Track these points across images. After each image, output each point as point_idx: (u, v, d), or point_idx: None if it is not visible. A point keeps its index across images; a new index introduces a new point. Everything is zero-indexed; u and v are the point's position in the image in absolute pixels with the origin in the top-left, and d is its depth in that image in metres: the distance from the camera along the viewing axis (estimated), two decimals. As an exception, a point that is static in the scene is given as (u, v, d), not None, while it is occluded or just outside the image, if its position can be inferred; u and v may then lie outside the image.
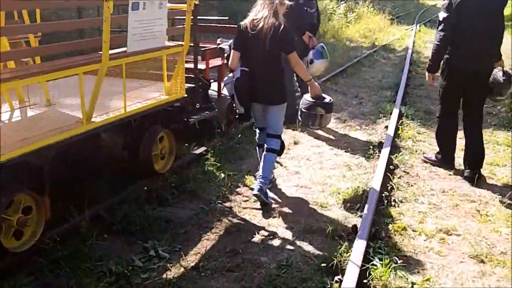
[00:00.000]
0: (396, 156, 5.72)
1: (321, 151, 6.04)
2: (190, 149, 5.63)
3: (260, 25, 4.24)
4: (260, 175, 4.52)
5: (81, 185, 4.55)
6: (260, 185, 4.46)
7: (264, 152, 4.58)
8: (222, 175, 5.21)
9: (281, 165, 5.57)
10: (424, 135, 6.65)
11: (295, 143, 6.19)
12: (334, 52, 12.99)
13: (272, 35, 4.21)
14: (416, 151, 6.00)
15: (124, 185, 4.67)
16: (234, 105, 4.51)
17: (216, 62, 6.16)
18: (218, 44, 5.43)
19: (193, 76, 5.55)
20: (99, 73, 3.91)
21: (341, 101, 8.46)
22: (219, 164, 5.40)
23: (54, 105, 4.59)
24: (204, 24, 7.05)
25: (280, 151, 4.70)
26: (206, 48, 5.87)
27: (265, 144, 4.59)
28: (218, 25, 7.15)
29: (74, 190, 4.45)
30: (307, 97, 5.00)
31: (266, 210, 4.47)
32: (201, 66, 5.84)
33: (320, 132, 6.75)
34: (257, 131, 4.88)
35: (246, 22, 4.35)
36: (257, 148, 4.97)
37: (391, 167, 5.39)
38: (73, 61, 3.94)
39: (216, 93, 6.22)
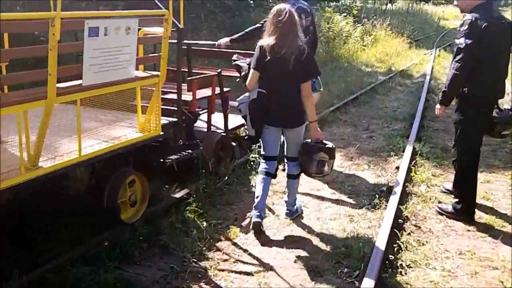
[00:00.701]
0: (407, 206, 4.97)
1: (321, 196, 5.30)
2: (170, 192, 4.96)
3: (285, 47, 4.06)
4: (286, 200, 4.74)
5: (26, 240, 3.88)
6: (288, 209, 4.74)
7: (287, 179, 4.63)
8: (204, 223, 4.53)
9: (273, 213, 4.86)
10: (440, 178, 5.88)
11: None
12: (347, 78, 12.32)
13: (296, 58, 4.06)
14: (430, 199, 5.24)
15: (82, 238, 4.00)
16: (245, 126, 4.47)
17: (206, 92, 5.50)
18: (234, 60, 4.77)
19: (176, 108, 4.90)
20: (44, 111, 3.27)
21: (350, 135, 7.74)
22: (201, 211, 4.71)
23: (6, 143, 3.96)
24: (197, 48, 6.46)
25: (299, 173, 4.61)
26: (193, 77, 5.22)
27: (286, 170, 4.65)
28: (209, 49, 6.52)
29: (16, 246, 3.78)
30: (307, 141, 4.47)
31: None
32: (187, 97, 5.20)
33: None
34: (262, 161, 4.53)
35: (269, 42, 4.11)
36: (262, 176, 4.47)
37: (399, 220, 4.64)
38: (14, 95, 3.30)
39: (205, 128, 5.57)
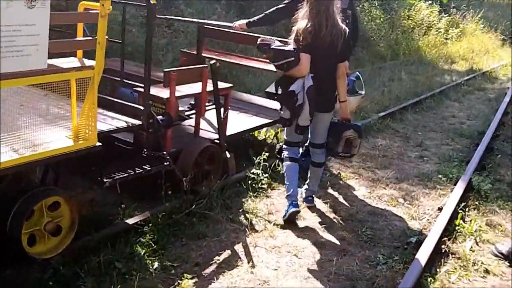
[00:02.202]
0: (435, 274, 3.60)
1: (324, 240, 4.02)
2: (125, 216, 3.88)
3: (332, 30, 3.91)
4: (307, 188, 4.52)
5: None
6: (309, 197, 4.51)
7: (311, 167, 4.44)
8: (156, 264, 3.43)
9: (249, 261, 3.65)
10: (496, 232, 4.40)
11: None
12: (416, 76, 10.69)
13: (342, 41, 3.96)
14: (474, 265, 3.81)
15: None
16: (299, 116, 4.00)
17: (194, 88, 4.34)
18: (264, 45, 3.96)
19: (142, 107, 3.79)
20: None
21: (396, 151, 6.29)
22: (155, 246, 3.60)
23: None
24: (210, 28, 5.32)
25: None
26: (172, 68, 4.06)
27: (311, 157, 4.44)
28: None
29: None
30: (335, 120, 4.39)
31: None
32: (164, 94, 4.07)
33: (341, 199, 4.74)
34: (286, 147, 4.31)
35: (308, 24, 3.89)
36: (288, 163, 4.27)
37: (416, 302, 3.29)
38: None
39: (192, 132, 4.44)
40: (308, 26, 3.88)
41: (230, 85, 4.68)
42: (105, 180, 3.39)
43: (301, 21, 3.95)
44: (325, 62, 3.98)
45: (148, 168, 3.70)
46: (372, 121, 7.04)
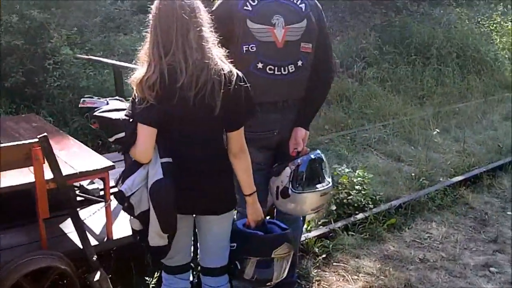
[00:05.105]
0: None
1: None
2: None
3: (199, 76, 2.14)
4: None
5: None
6: None
7: None
8: None
9: None
10: None
11: None
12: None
13: (227, 94, 2.18)
14: None
15: None
16: (149, 232, 2.26)
17: (19, 177, 2.75)
18: (85, 107, 2.49)
19: None
20: None
21: (446, 252, 3.98)
22: None
23: None
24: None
25: None
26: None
27: None
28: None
29: None
30: (243, 227, 2.54)
31: None
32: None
33: None
34: (167, 277, 2.51)
35: (158, 69, 2.13)
36: None
37: None
38: None
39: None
40: (147, 75, 2.13)
41: (108, 164, 3.01)
42: None
43: (140, 66, 2.22)
44: (193, 134, 2.29)
45: None
46: (432, 193, 4.77)
